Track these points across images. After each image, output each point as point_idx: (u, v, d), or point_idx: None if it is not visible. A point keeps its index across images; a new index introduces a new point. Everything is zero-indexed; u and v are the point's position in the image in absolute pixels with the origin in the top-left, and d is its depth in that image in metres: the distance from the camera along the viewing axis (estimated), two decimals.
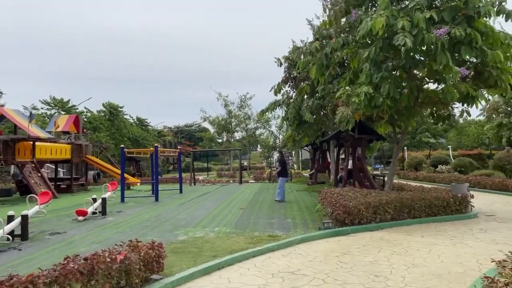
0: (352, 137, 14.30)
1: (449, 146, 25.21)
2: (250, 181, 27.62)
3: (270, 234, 8.13)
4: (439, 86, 10.93)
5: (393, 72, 10.07)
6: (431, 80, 10.85)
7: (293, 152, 44.57)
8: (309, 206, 12.67)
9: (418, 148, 34.66)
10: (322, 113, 19.93)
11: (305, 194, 16.76)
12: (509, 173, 17.28)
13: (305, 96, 16.55)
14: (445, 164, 23.64)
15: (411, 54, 9.28)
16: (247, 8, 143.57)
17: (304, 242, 7.76)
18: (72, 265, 4.44)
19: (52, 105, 34.94)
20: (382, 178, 16.05)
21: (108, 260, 4.72)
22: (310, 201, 14.08)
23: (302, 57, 12.04)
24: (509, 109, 32.44)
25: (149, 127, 46.30)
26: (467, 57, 9.06)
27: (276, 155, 69.21)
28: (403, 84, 10.46)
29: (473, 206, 10.74)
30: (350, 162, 15.58)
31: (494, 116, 34.27)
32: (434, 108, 11.39)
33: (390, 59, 10.09)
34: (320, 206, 11.45)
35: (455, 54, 9.50)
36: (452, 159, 23.65)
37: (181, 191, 19.30)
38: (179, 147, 27.98)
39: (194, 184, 25.68)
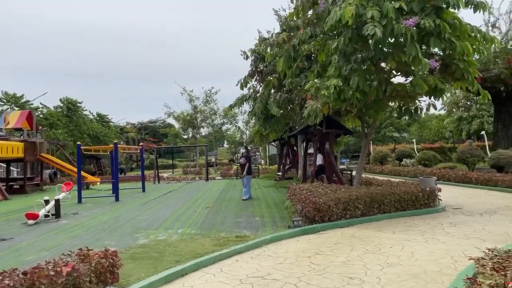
0: (320, 132, 14.08)
1: (414, 140, 25.68)
2: (217, 178, 27.02)
3: (238, 235, 7.67)
4: (407, 79, 10.83)
5: (362, 65, 9.83)
6: (399, 74, 10.72)
7: (260, 148, 44.28)
8: (278, 203, 12.31)
9: (383, 142, 35.28)
10: (289, 107, 19.66)
11: (273, 191, 16.42)
12: (471, 166, 17.66)
13: (272, 91, 16.15)
14: (409, 157, 24.04)
15: (380, 46, 9.05)
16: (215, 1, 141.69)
17: (274, 242, 7.35)
18: (7, 282, 3.81)
19: (4, 100, 32.82)
20: (349, 172, 15.96)
21: (52, 273, 4.12)
22: (279, 197, 13.74)
23: (269, 49, 11.61)
24: (468, 103, 33.59)
25: (110, 123, 44.55)
26: (436, 49, 8.92)
27: (242, 151, 68.76)
28: (372, 77, 10.26)
29: (441, 200, 10.74)
30: (318, 157, 15.38)
31: (455, 110, 35.42)
32: (402, 102, 11.28)
33: (359, 51, 9.84)
34: (289, 202, 11.12)
35: (423, 46, 9.36)
36: (417, 153, 24.08)
37: (143, 190, 18.48)
38: (141, 143, 26.97)
39: (158, 182, 24.82)
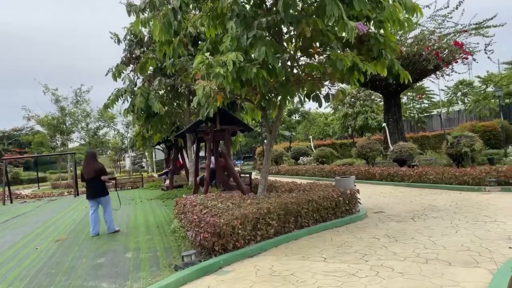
0: (213, 129, 11.48)
1: (310, 137, 24.86)
2: None
3: None
4: (313, 59, 8.84)
5: (268, 34, 7.48)
6: (309, 51, 8.65)
7: (146, 153, 40.06)
8: (163, 223, 9.34)
9: (275, 141, 34.33)
10: (175, 103, 16.68)
11: (157, 205, 13.29)
12: (371, 161, 16.90)
13: (156, 84, 12.93)
14: (306, 155, 22.96)
15: (291, 3, 6.75)
16: None
17: None
18: None
19: None
20: (248, 176, 13.66)
21: None
22: (164, 215, 10.74)
23: (141, 15, 8.56)
24: (353, 100, 34.47)
25: None
26: (362, 11, 6.96)
27: (127, 159, 62.70)
28: (277, 54, 7.96)
29: (360, 203, 8.98)
30: (213, 159, 12.76)
31: (340, 107, 36.19)
32: (310, 88, 9.24)
33: (262, 15, 7.46)
34: (178, 223, 8.27)
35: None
36: (313, 150, 23.13)
37: None
38: (5, 155, 21.20)
39: (11, 202, 19.52)
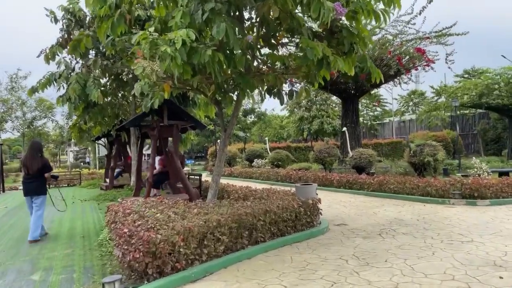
0: (160, 124, 10.11)
1: (266, 138, 23.89)
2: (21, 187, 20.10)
3: None
4: (274, 50, 7.78)
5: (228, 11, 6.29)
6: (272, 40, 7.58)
7: (89, 148, 37.33)
8: (90, 233, 7.86)
9: (229, 142, 33.17)
10: (120, 94, 15.02)
11: (91, 208, 11.65)
12: (328, 167, 16.17)
13: (90, 63, 11.26)
14: (261, 158, 21.97)
15: None
16: None
17: None
18: None
19: None
20: (198, 177, 12.37)
21: None
22: (95, 221, 9.22)
23: None
24: (310, 104, 34.08)
25: None
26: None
27: (70, 154, 58.74)
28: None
29: (321, 214, 8.01)
30: (158, 158, 11.37)
31: (296, 110, 35.69)
32: (272, 82, 8.16)
33: None
34: (108, 232, 6.87)
35: None
36: (269, 152, 22.18)
37: None
38: None
39: None
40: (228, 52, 6.30)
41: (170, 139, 11.25)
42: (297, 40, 7.74)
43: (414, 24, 17.41)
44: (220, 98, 8.06)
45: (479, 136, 30.55)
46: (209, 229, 5.56)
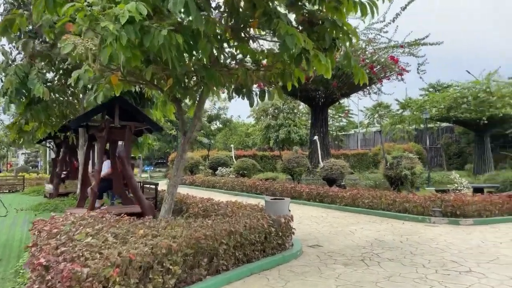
0: (110, 125, 8.74)
1: (232, 145, 22.70)
2: None
3: None
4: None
5: None
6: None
7: (41, 151, 34.65)
8: (13, 253, 6.38)
9: (192, 148, 31.67)
10: (70, 91, 13.40)
11: (25, 220, 10.00)
12: (297, 177, 15.21)
13: (28, 48, 9.66)
14: (225, 166, 20.74)
15: None
16: None
17: None
18: None
19: None
20: (154, 187, 11.00)
21: None
22: (24, 239, 7.69)
23: None
24: (277, 112, 33.30)
25: None
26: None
27: (21, 157, 54.79)
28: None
29: (294, 233, 6.93)
30: (106, 164, 9.93)
31: (263, 118, 34.81)
32: (243, 78, 7.05)
33: None
34: (30, 254, 5.43)
35: None
36: (234, 160, 20.99)
37: None
38: None
39: None
40: (189, 36, 5.13)
41: (121, 142, 9.85)
42: (272, 36, 6.80)
43: (387, 32, 16.99)
44: (179, 95, 6.85)
45: (442, 150, 30.85)
46: (157, 258, 4.33)
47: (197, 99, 7.00)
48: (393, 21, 16.04)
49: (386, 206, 10.05)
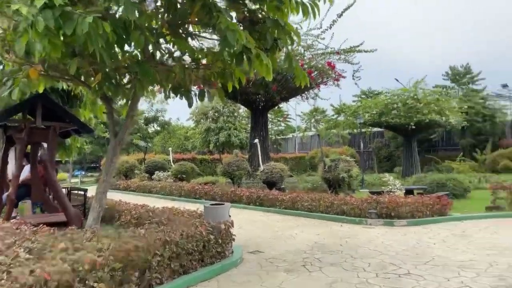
0: (30, 125, 7.84)
1: (170, 149, 21.89)
2: None
3: None
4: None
5: None
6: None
7: None
8: None
9: (128, 152, 30.19)
10: None
11: None
12: (237, 181, 14.96)
13: None
14: (163, 170, 19.93)
15: None
16: None
17: None
18: None
19: None
20: (83, 193, 10.12)
21: None
22: None
23: None
24: (217, 115, 32.91)
25: None
26: None
27: None
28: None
29: (234, 240, 6.63)
30: (27, 168, 8.97)
31: (203, 121, 34.25)
32: (180, 77, 6.63)
33: None
34: None
35: None
36: (173, 164, 20.24)
37: None
38: None
39: None
40: (121, 28, 4.65)
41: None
42: (212, 33, 6.48)
43: (324, 39, 17.39)
44: (110, 93, 6.28)
45: (374, 153, 32.42)
46: (79, 275, 3.81)
47: (131, 97, 6.47)
48: (330, 27, 16.44)
49: (324, 209, 10.12)
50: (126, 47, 5.51)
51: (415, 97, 20.98)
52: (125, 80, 6.69)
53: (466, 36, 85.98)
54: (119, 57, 5.69)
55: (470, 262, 5.70)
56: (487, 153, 24.11)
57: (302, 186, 16.49)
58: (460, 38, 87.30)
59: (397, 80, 27.98)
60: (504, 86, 21.42)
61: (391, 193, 10.89)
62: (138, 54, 5.93)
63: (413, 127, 20.39)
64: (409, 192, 12.24)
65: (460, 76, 33.02)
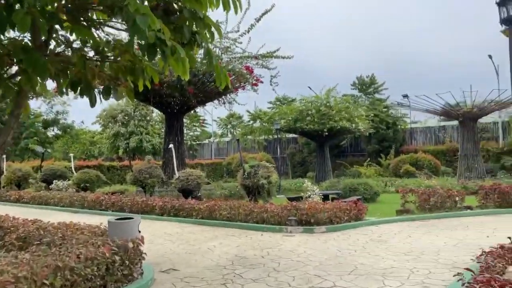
0: None
1: (71, 155, 19.67)
2: None
3: None
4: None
5: None
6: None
7: None
8: None
9: (22, 158, 26.77)
10: None
11: None
12: (149, 189, 13.87)
13: None
14: (63, 178, 17.86)
15: None
16: None
17: None
18: None
19: None
20: None
21: None
22: None
23: None
24: (126, 118, 30.99)
25: None
26: None
27: None
28: None
29: (144, 258, 5.81)
30: None
31: (111, 125, 32.00)
32: (77, 70, 5.65)
33: None
34: None
35: None
36: (74, 172, 18.24)
37: None
38: None
39: None
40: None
41: None
42: (120, 23, 5.66)
43: (241, 43, 17.15)
44: None
45: (288, 159, 33.16)
46: None
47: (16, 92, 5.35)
48: (248, 31, 16.24)
49: (244, 217, 9.68)
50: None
51: (328, 104, 21.76)
52: (12, 72, 5.58)
53: (370, 48, 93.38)
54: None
55: (391, 269, 5.64)
56: (390, 158, 25.94)
57: (219, 193, 15.96)
58: (364, 49, 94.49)
59: (310, 88, 29.02)
60: (405, 96, 23.26)
61: (309, 198, 10.85)
62: (28, 42, 4.92)
63: (326, 133, 21.09)
64: (325, 197, 12.40)
65: (366, 86, 35.33)
